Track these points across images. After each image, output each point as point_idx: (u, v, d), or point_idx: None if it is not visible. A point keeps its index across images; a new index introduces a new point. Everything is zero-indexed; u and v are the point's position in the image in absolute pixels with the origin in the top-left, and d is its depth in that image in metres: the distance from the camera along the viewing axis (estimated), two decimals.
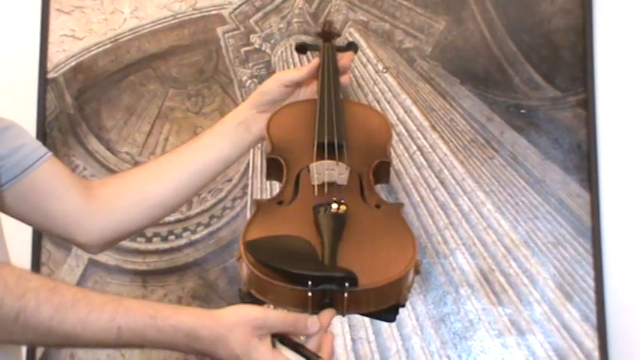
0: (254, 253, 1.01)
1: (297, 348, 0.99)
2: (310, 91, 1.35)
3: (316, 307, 0.99)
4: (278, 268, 0.98)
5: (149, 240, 1.81)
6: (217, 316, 0.99)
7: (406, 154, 1.75)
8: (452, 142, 1.74)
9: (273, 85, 1.32)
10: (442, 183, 1.73)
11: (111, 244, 1.33)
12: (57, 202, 1.25)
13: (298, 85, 1.34)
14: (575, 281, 1.67)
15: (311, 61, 1.36)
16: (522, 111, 1.73)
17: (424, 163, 1.74)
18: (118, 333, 0.97)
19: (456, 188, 1.73)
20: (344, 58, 1.37)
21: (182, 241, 1.80)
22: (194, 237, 1.80)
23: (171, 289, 1.79)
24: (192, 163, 1.31)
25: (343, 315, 1.01)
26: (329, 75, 1.32)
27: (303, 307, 0.98)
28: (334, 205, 1.06)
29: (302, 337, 1.01)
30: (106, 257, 1.81)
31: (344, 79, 1.35)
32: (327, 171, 1.15)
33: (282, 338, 0.99)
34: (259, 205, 1.13)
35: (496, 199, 1.72)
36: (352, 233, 1.05)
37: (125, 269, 1.81)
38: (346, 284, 0.97)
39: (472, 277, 1.70)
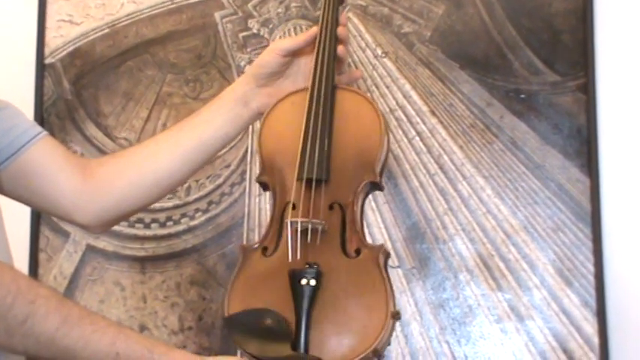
0: (231, 331, 1.08)
1: None
2: (310, 62, 1.26)
3: None
4: (251, 353, 1.04)
5: (147, 226, 1.81)
6: None
7: (405, 140, 1.74)
8: (451, 127, 1.73)
9: (269, 57, 1.26)
10: (441, 168, 1.73)
11: (111, 224, 1.32)
12: (51, 182, 1.23)
13: (296, 54, 1.28)
14: (575, 266, 1.67)
15: (308, 30, 1.28)
16: (522, 96, 1.72)
17: (423, 148, 1.74)
18: (115, 358, 0.98)
19: (455, 173, 1.72)
20: (340, 27, 1.27)
21: (180, 227, 1.80)
22: (192, 223, 1.80)
23: (169, 275, 1.79)
24: (188, 141, 1.27)
25: None
26: (326, 48, 1.23)
27: None
28: (304, 281, 1.08)
29: None
30: (104, 243, 1.81)
31: (340, 50, 1.25)
32: (302, 224, 1.13)
33: None
34: (245, 255, 1.15)
35: (495, 185, 1.71)
36: (325, 302, 1.08)
37: (123, 255, 1.81)
38: None
39: (471, 262, 1.69)
